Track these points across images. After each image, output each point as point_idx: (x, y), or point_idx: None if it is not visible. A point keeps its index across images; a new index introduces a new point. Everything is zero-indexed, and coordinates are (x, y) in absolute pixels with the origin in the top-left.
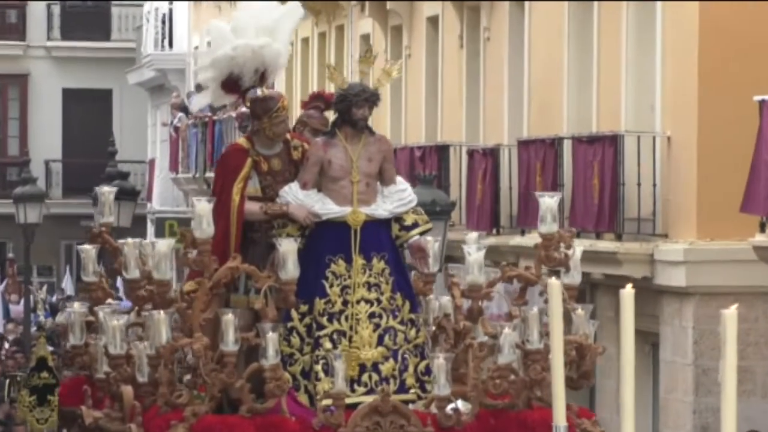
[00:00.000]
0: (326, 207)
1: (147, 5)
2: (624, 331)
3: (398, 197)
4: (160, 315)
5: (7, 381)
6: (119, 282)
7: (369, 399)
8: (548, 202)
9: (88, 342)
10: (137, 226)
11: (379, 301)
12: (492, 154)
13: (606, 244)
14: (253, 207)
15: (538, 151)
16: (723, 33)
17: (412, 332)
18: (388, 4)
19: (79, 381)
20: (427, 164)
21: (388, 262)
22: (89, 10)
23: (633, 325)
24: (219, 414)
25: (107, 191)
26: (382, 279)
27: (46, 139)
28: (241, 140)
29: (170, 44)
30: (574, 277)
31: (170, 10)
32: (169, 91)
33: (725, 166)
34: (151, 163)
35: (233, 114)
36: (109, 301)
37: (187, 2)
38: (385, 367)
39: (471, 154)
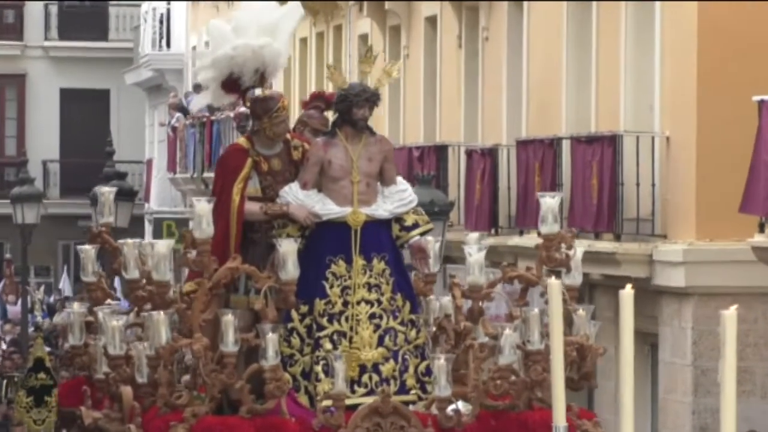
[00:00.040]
0: (326, 207)
1: (145, 5)
2: (623, 332)
3: (399, 197)
4: (160, 315)
5: (5, 382)
6: (116, 282)
7: (369, 400)
8: (549, 202)
9: (88, 342)
10: (134, 227)
11: (379, 302)
12: (490, 154)
13: (605, 245)
14: (253, 207)
15: (537, 151)
16: (722, 33)
17: (413, 333)
18: (387, 4)
19: (79, 381)
20: (425, 164)
21: (389, 263)
22: (87, 10)
23: (632, 325)
24: (219, 415)
25: (107, 191)
26: (382, 280)
27: (43, 139)
28: (241, 140)
29: (168, 44)
30: (575, 278)
31: (168, 10)
32: (166, 91)
33: (724, 166)
34: (149, 163)
35: (231, 114)
36: (109, 301)
37: (184, 2)
38: (386, 368)
39: (469, 154)
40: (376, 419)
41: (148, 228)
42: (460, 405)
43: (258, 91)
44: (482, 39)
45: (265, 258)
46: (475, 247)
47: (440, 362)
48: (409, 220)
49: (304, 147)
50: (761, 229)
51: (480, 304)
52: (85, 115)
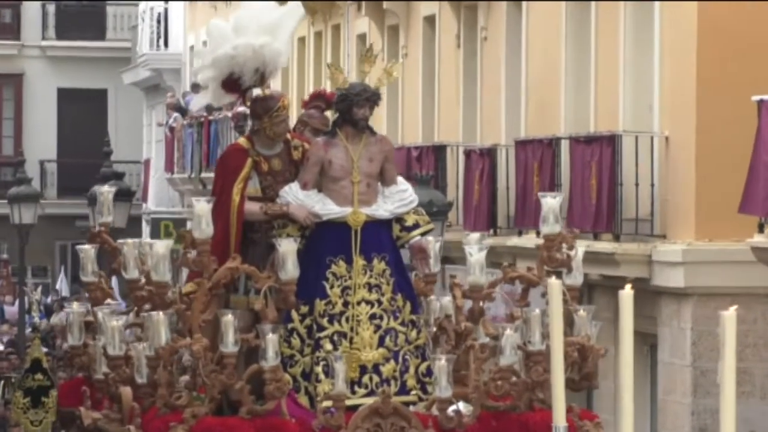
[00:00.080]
0: (327, 207)
1: (142, 5)
2: (623, 333)
3: (399, 198)
4: (159, 316)
5: (2, 382)
6: (114, 282)
7: (369, 401)
8: (551, 202)
9: (87, 343)
10: (132, 227)
11: (379, 302)
12: (489, 154)
13: (604, 245)
14: (253, 207)
15: (536, 151)
16: (721, 33)
17: (413, 333)
18: (385, 4)
19: (78, 382)
20: (423, 164)
21: (389, 263)
22: (84, 9)
23: (632, 326)
24: (219, 416)
25: (106, 191)
26: (382, 280)
27: (40, 139)
28: (241, 140)
29: (166, 44)
30: (576, 278)
31: (165, 10)
32: (164, 90)
33: (724, 166)
34: (147, 163)
35: (229, 114)
36: (108, 301)
37: (182, 2)
38: (386, 369)
39: (468, 154)
40: (376, 420)
41: (146, 228)
42: (461, 406)
43: (258, 91)
44: (481, 39)
45: (265, 258)
46: (476, 247)
47: (441, 363)
48: (409, 221)
49: (305, 147)
50: (761, 230)
51: (480, 304)
52: (83, 114)
